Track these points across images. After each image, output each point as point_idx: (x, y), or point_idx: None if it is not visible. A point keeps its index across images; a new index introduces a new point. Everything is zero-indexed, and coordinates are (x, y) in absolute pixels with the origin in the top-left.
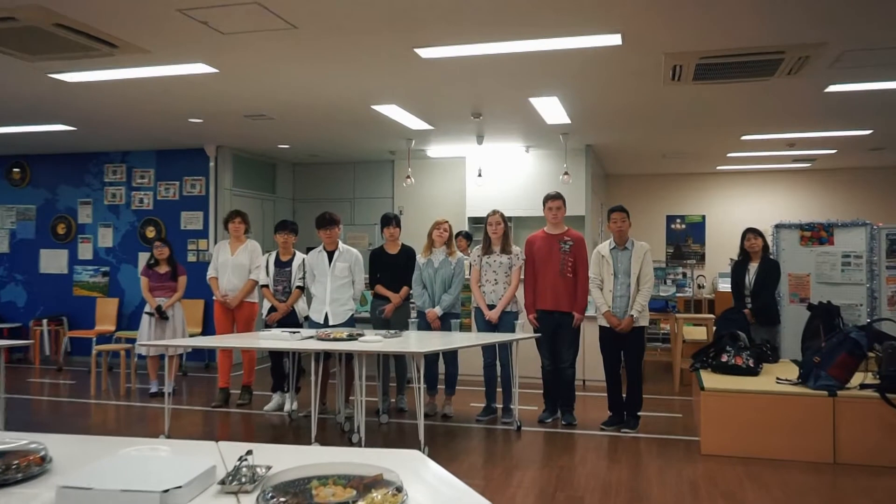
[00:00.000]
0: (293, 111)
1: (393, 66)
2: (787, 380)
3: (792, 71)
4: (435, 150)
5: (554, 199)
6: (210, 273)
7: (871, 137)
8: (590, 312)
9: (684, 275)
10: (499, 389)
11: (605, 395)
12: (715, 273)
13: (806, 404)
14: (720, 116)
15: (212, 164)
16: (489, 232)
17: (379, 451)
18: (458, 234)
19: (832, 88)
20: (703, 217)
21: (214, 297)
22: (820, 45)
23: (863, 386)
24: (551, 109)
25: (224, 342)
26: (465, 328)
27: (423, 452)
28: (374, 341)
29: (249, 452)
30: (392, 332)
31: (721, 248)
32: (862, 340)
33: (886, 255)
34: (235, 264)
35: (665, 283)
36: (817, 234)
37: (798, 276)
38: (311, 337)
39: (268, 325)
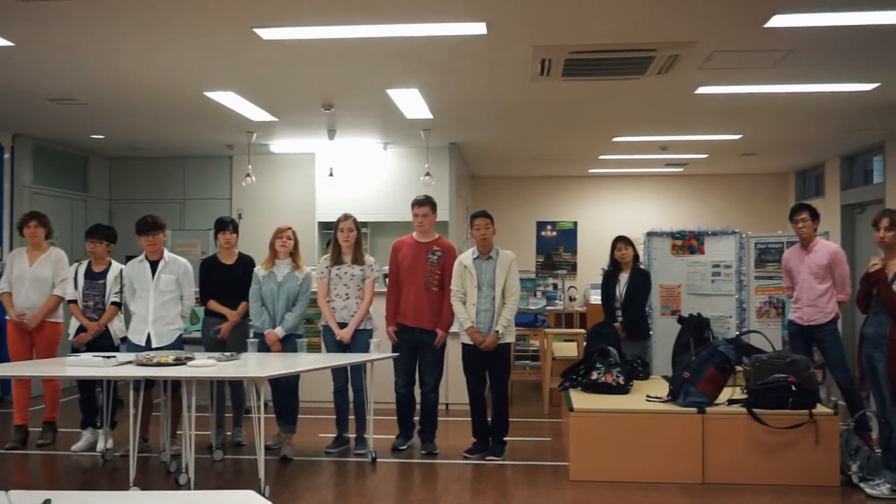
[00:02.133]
0: (110, 95)
1: (229, 47)
2: (657, 397)
3: (662, 70)
4: (280, 146)
5: (421, 206)
6: (2, 287)
7: (742, 142)
8: (453, 329)
9: (555, 286)
10: (351, 417)
11: (469, 419)
12: (587, 284)
13: (675, 423)
14: (591, 116)
15: (7, 155)
16: (340, 239)
17: (208, 494)
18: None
19: (702, 90)
20: (575, 224)
21: (7, 317)
22: (690, 43)
23: (731, 401)
24: (411, 102)
25: (20, 370)
26: (313, 348)
27: (263, 493)
28: (206, 365)
29: (47, 501)
30: (227, 354)
31: (594, 257)
32: (730, 354)
33: (755, 265)
34: (34, 277)
35: (535, 295)
36: (688, 243)
37: (669, 286)
38: (130, 362)
39: (75, 349)
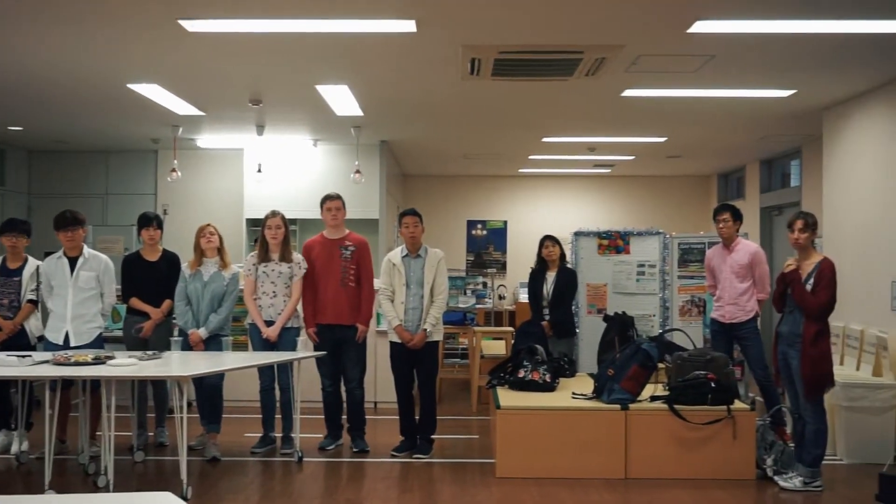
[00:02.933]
0: (27, 85)
1: (153, 38)
2: (582, 394)
3: (590, 72)
4: (207, 140)
5: (332, 199)
6: None
7: (667, 145)
8: (382, 327)
9: (485, 284)
10: (278, 416)
11: (397, 417)
12: (517, 283)
13: (599, 419)
14: (521, 116)
15: None
16: (267, 237)
17: (123, 496)
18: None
19: (628, 93)
20: (505, 223)
21: None
22: (617, 46)
23: (653, 398)
24: (341, 99)
25: None
26: (239, 346)
27: (185, 494)
28: (127, 364)
29: None
30: (150, 353)
31: (523, 256)
32: (653, 352)
33: (679, 265)
34: None
35: (464, 293)
36: (614, 243)
37: (595, 285)
38: (47, 361)
39: None
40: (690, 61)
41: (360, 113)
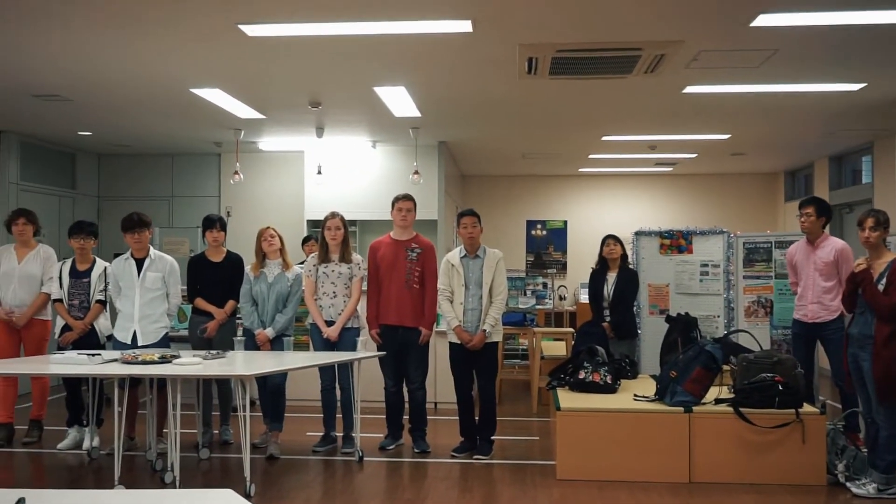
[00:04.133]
0: (95, 91)
1: (214, 43)
2: (644, 396)
3: (649, 69)
4: (268, 143)
5: (404, 200)
6: None
7: (730, 142)
8: (441, 328)
9: (545, 285)
10: (339, 416)
11: (457, 418)
12: (577, 283)
13: (662, 422)
14: (580, 115)
15: None
16: (327, 238)
17: (186, 493)
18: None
19: (689, 90)
20: (565, 223)
21: None
22: (676, 42)
23: (717, 401)
24: (399, 100)
25: (5, 368)
26: (300, 346)
27: (248, 491)
28: (192, 363)
29: (21, 500)
30: (214, 352)
31: (583, 256)
32: (717, 353)
33: (743, 265)
34: (23, 274)
35: (524, 294)
36: (676, 242)
37: (657, 286)
38: (116, 360)
39: (61, 348)
40: (753, 56)
41: (417, 114)
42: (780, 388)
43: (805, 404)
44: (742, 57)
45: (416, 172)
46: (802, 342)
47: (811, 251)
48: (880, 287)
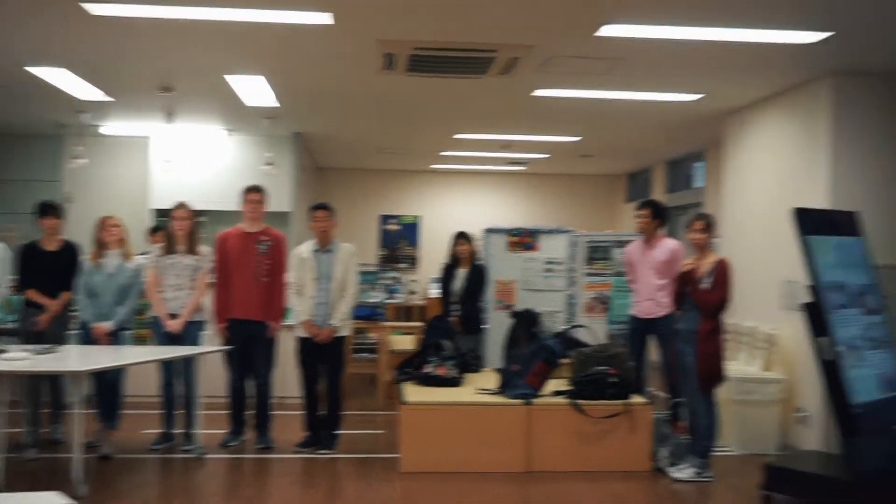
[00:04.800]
0: None
1: (53, 20)
2: (487, 390)
3: (504, 71)
4: (112, 127)
5: (254, 192)
6: None
7: (580, 144)
8: (290, 321)
9: (397, 280)
10: (178, 412)
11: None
12: (428, 278)
13: (502, 414)
14: (435, 112)
15: None
16: (174, 228)
17: (9, 497)
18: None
19: (540, 92)
20: (418, 218)
21: None
22: (529, 46)
23: (556, 393)
24: (255, 89)
25: None
26: (141, 341)
27: (77, 493)
28: (18, 358)
29: None
30: (45, 347)
31: (436, 251)
32: (556, 348)
33: (586, 262)
34: None
35: (375, 288)
36: (524, 240)
37: (504, 282)
38: None
39: None
40: (599, 64)
41: (276, 104)
42: (613, 380)
43: (635, 395)
44: (589, 64)
45: (270, 163)
46: (636, 337)
47: (647, 251)
48: (706, 285)
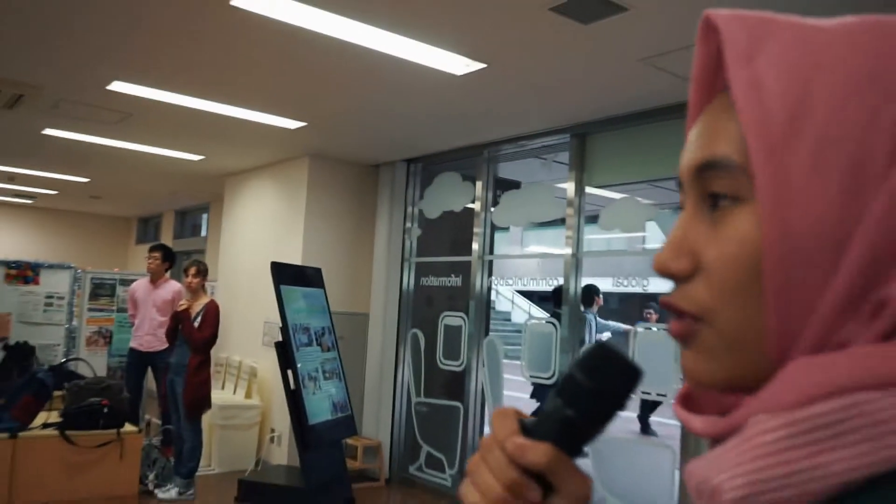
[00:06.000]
0: None
1: None
2: None
3: (10, 105)
4: None
5: None
6: None
7: (90, 185)
8: None
9: None
10: None
11: None
12: None
13: None
14: None
15: None
16: None
17: None
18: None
19: (49, 132)
20: None
21: None
22: (36, 87)
23: (45, 425)
24: None
25: None
26: None
27: None
28: None
29: None
30: None
31: None
32: (48, 380)
33: (90, 298)
34: None
35: None
36: (24, 273)
37: (1, 314)
38: None
39: None
40: (110, 114)
41: None
42: (106, 410)
43: (128, 424)
44: (100, 112)
45: None
46: (135, 368)
47: (152, 289)
48: (196, 323)
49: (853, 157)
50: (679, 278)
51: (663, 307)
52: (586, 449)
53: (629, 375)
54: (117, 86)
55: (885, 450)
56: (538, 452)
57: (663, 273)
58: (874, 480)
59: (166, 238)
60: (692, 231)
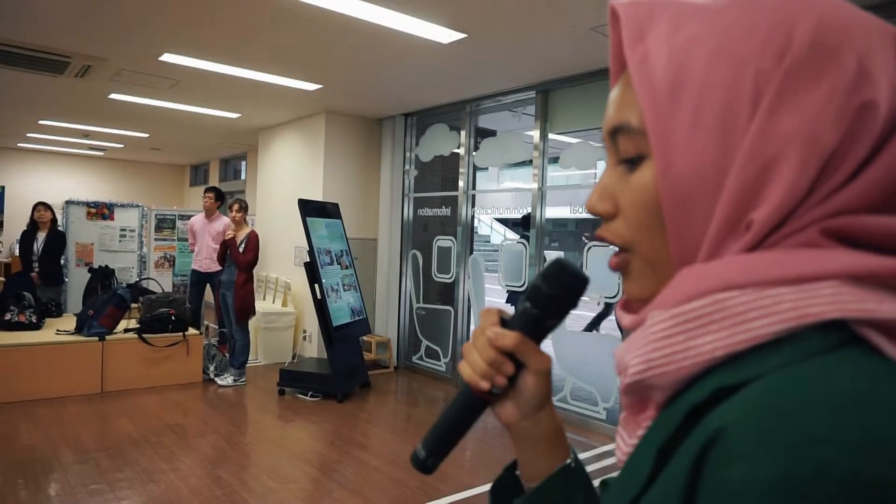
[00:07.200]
0: None
1: None
2: (65, 331)
3: (79, 74)
4: None
5: None
6: None
7: (149, 139)
8: None
9: None
10: None
11: None
12: (13, 239)
13: (80, 349)
14: (17, 99)
15: None
16: None
17: None
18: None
19: (114, 96)
20: (3, 188)
21: None
22: (101, 59)
23: (126, 330)
24: None
25: None
26: None
27: None
28: None
29: None
30: None
31: (20, 218)
32: (127, 295)
33: (155, 230)
34: None
35: None
36: (101, 211)
37: (84, 244)
38: None
39: None
40: (162, 81)
41: None
42: (174, 318)
43: (191, 328)
44: (153, 80)
45: None
46: (196, 285)
47: (207, 223)
48: (241, 249)
49: (724, 110)
50: (605, 217)
51: (597, 238)
52: (549, 338)
53: (579, 283)
54: (167, 57)
55: (739, 335)
56: (509, 337)
57: (592, 213)
58: (732, 357)
59: (213, 181)
60: (612, 180)
